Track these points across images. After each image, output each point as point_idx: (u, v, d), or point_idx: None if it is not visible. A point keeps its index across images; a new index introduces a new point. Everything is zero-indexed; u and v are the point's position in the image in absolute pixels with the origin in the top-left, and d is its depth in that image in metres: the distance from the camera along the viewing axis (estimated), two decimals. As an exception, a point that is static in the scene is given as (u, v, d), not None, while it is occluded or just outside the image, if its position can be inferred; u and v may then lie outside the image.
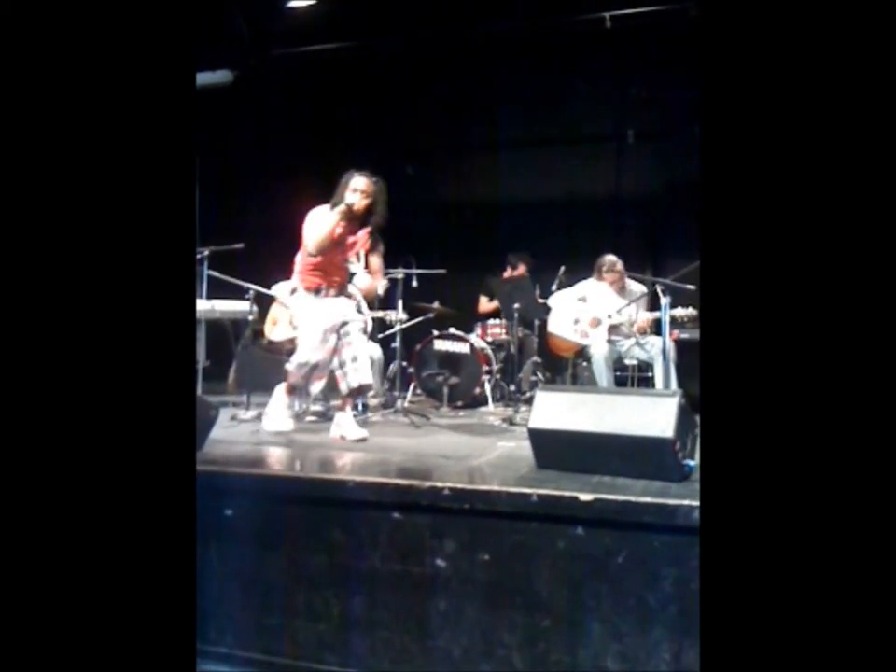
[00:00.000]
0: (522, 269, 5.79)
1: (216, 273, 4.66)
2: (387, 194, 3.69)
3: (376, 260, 3.82)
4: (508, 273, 5.83)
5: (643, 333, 4.71)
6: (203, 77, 6.82)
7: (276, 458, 3.19)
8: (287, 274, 3.88)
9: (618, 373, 4.89)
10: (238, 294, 4.71)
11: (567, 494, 2.25)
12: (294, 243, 3.73)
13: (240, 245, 4.63)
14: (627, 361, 4.87)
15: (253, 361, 5.01)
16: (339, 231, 3.62)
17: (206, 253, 4.69)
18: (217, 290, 4.88)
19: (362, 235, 3.76)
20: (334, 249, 3.67)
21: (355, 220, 3.68)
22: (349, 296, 3.83)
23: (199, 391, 4.50)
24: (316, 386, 3.70)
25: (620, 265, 4.93)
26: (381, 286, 4.16)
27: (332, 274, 3.73)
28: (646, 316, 4.68)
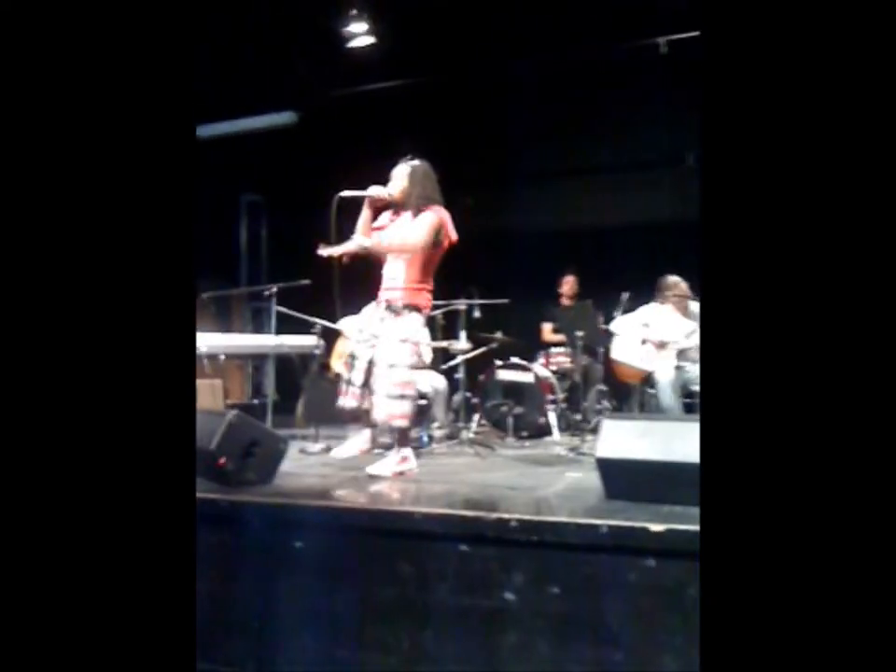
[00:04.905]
0: (570, 279, 5.96)
1: (283, 309, 4.78)
2: (426, 176, 3.55)
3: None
4: (563, 290, 5.95)
5: (711, 358, 4.61)
6: (269, 119, 7.08)
7: (344, 490, 3.22)
8: (352, 309, 3.89)
9: (686, 400, 4.78)
10: (305, 329, 4.82)
11: (637, 525, 2.21)
12: (357, 276, 3.71)
13: (307, 281, 4.72)
14: (694, 387, 4.77)
15: (320, 395, 5.09)
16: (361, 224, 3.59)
17: (274, 289, 4.81)
18: (285, 326, 4.99)
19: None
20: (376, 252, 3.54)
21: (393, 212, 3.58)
22: (396, 310, 3.49)
23: (268, 424, 4.59)
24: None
25: (683, 285, 4.83)
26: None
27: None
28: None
